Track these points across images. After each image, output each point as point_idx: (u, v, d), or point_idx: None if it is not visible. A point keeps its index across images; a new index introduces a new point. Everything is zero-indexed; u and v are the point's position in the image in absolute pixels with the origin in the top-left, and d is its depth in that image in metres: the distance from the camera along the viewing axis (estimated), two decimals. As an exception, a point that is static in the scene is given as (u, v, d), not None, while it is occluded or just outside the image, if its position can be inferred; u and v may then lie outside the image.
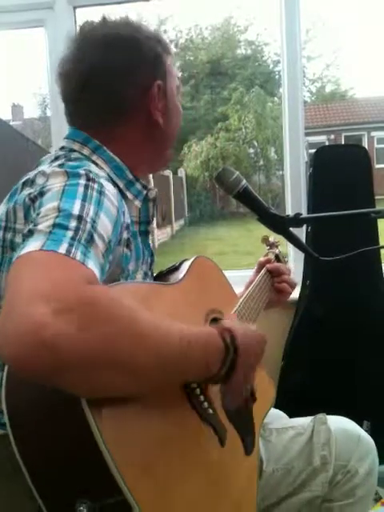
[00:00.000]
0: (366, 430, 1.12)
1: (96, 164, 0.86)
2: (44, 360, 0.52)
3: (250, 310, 1.07)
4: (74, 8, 2.05)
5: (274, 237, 1.28)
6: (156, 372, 0.61)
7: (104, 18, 0.92)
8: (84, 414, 0.57)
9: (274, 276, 1.20)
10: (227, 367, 0.70)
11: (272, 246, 1.31)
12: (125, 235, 0.81)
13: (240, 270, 2.17)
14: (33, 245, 0.62)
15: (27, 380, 0.59)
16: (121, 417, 0.61)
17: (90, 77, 0.89)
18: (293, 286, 1.20)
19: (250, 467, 0.90)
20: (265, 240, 1.31)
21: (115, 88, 0.89)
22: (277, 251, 1.30)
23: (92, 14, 2.29)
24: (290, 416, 1.19)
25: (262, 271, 1.19)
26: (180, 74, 1.01)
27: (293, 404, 1.15)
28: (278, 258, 1.28)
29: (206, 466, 0.74)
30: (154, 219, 0.99)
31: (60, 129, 2.07)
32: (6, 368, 0.63)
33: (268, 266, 1.20)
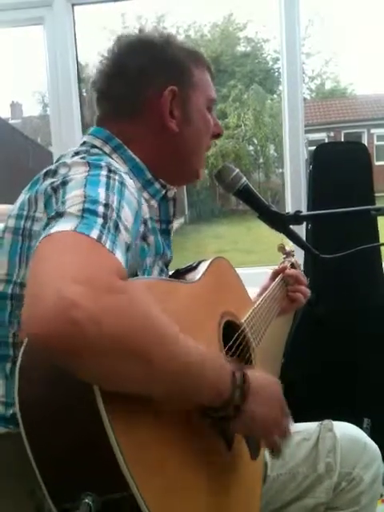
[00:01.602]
0: (366, 428, 1.12)
1: (116, 162, 0.86)
2: (71, 339, 0.52)
3: (264, 316, 1.07)
4: (73, 5, 2.05)
5: (290, 246, 1.28)
6: (170, 376, 0.61)
7: (140, 29, 0.95)
8: (98, 409, 0.57)
9: (290, 283, 1.20)
10: (237, 395, 0.68)
11: (288, 254, 1.31)
12: (142, 229, 0.82)
13: (241, 268, 2.17)
14: (64, 225, 0.62)
15: (41, 368, 0.59)
16: (133, 414, 0.61)
17: (114, 77, 0.92)
18: (306, 296, 1.21)
19: (255, 472, 0.90)
20: (281, 249, 1.30)
21: (130, 89, 0.92)
22: (292, 260, 1.30)
23: (91, 12, 2.29)
24: (291, 414, 1.19)
25: (278, 279, 1.19)
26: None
27: (293, 402, 1.14)
28: (293, 267, 1.28)
29: (212, 469, 0.74)
30: (174, 218, 0.99)
31: (59, 127, 2.07)
32: (18, 362, 0.63)
33: (288, 271, 1.21)
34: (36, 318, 0.53)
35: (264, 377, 0.77)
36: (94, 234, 0.61)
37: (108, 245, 0.62)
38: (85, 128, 2.12)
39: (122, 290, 0.57)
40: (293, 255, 1.32)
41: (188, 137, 0.95)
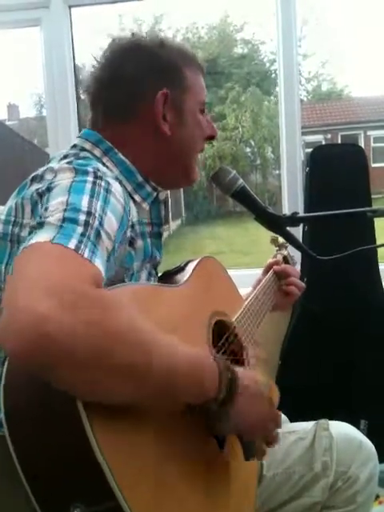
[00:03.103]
0: (362, 429, 1.12)
1: (106, 166, 0.86)
2: (44, 353, 0.52)
3: (256, 312, 1.06)
4: (70, 7, 2.05)
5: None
6: (151, 382, 0.60)
7: (133, 33, 0.95)
8: (81, 420, 0.57)
9: (281, 278, 1.19)
10: (224, 394, 0.68)
11: (281, 247, 1.30)
12: (128, 234, 0.82)
13: (237, 269, 2.17)
14: (42, 236, 0.62)
15: (26, 375, 0.59)
16: (117, 422, 0.60)
17: (105, 82, 0.93)
18: (300, 289, 1.19)
19: (250, 472, 0.89)
20: (273, 241, 1.29)
21: (124, 96, 0.92)
22: (285, 253, 1.29)
23: (88, 13, 2.29)
24: (287, 415, 1.19)
25: (269, 273, 1.18)
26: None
27: (290, 403, 1.14)
28: (286, 260, 1.27)
29: (203, 471, 0.73)
30: (167, 221, 1.00)
31: (56, 128, 2.06)
32: (5, 367, 0.62)
33: (275, 268, 1.19)
34: (10, 333, 0.53)
35: (252, 375, 0.77)
36: (72, 243, 0.62)
37: (86, 254, 0.62)
38: (82, 129, 2.12)
39: (96, 300, 0.57)
40: (286, 247, 1.31)
41: (181, 139, 0.94)
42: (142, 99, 0.91)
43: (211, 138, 1.01)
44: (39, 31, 2.05)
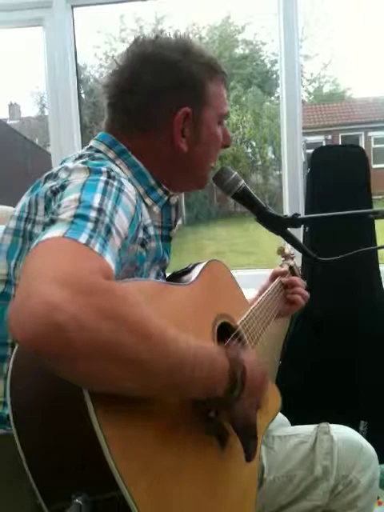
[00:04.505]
0: (362, 430, 1.12)
1: (119, 168, 0.87)
2: (54, 342, 0.53)
3: (260, 318, 1.07)
4: (72, 7, 2.05)
5: (289, 248, 1.28)
6: (160, 375, 0.61)
7: (157, 36, 0.94)
8: (87, 410, 0.57)
9: (287, 287, 1.20)
10: (238, 389, 0.70)
11: (287, 257, 1.31)
12: (141, 235, 0.83)
13: (238, 269, 2.17)
14: (54, 232, 0.63)
15: (32, 367, 0.60)
16: (123, 414, 0.61)
17: (126, 90, 0.92)
18: (305, 298, 1.21)
19: (250, 474, 0.89)
20: (280, 251, 1.30)
21: (141, 105, 0.92)
22: (292, 263, 1.30)
23: (90, 13, 2.29)
24: (287, 416, 1.19)
25: (276, 281, 1.20)
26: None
27: (290, 404, 1.15)
28: (292, 271, 1.28)
29: (205, 469, 0.74)
30: (177, 225, 1.00)
31: (58, 128, 2.07)
32: (11, 361, 0.63)
33: (283, 279, 1.21)
34: (21, 322, 0.54)
35: (254, 359, 0.78)
36: (83, 238, 0.62)
37: (97, 248, 0.63)
38: (83, 129, 2.13)
39: (106, 291, 0.58)
40: (292, 258, 1.32)
41: (196, 154, 0.95)
42: (160, 112, 0.91)
43: (226, 146, 1.01)
44: (41, 31, 2.06)
